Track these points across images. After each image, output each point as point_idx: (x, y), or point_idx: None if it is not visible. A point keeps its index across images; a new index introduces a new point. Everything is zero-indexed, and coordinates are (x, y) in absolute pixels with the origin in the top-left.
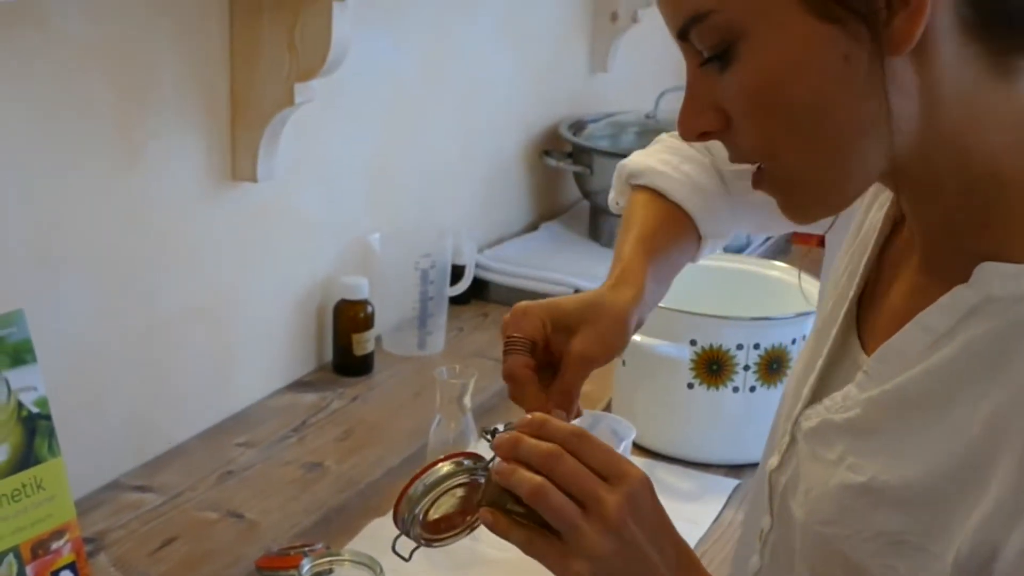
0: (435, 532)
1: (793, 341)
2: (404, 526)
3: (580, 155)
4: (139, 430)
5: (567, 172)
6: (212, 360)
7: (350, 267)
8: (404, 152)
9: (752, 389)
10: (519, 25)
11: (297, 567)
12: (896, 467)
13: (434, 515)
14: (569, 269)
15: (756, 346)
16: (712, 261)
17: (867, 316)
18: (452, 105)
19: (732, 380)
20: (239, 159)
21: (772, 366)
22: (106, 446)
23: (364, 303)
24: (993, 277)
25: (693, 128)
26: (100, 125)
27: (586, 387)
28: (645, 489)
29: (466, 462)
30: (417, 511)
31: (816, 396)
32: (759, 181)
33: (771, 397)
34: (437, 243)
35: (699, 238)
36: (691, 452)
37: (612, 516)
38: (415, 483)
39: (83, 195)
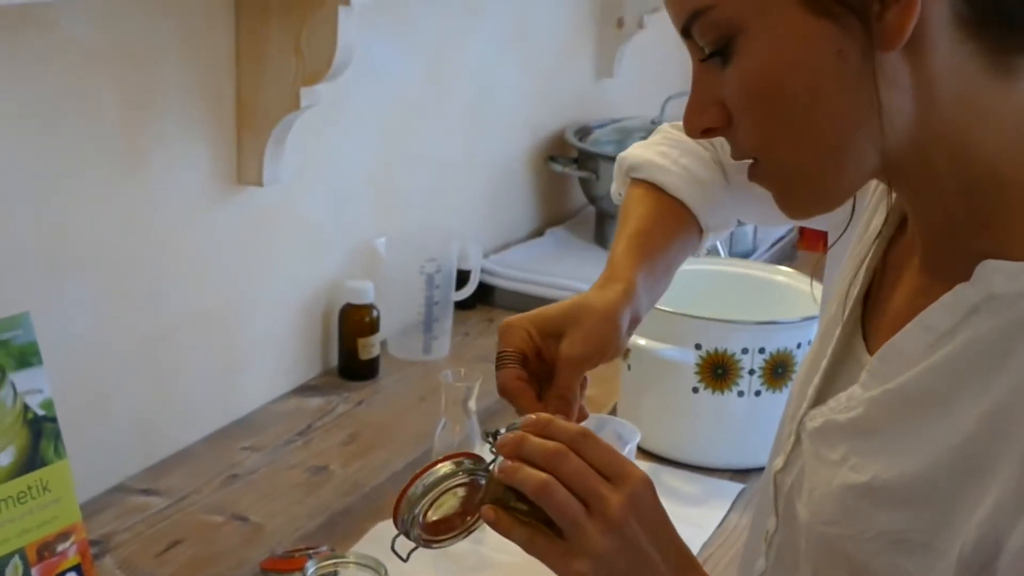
0: (435, 533)
1: (798, 345)
2: (404, 526)
3: (586, 161)
4: (144, 433)
5: (573, 177)
6: (217, 364)
7: (356, 271)
8: (410, 157)
9: (757, 393)
10: (525, 31)
11: (302, 569)
12: (898, 466)
13: (433, 516)
14: (575, 274)
15: (761, 350)
16: (718, 266)
17: (871, 317)
18: (458, 110)
19: (737, 384)
20: (245, 163)
21: (777, 370)
22: (111, 449)
23: (369, 307)
24: (995, 275)
25: (697, 125)
26: (106, 129)
27: (591, 391)
28: (647, 489)
29: (466, 462)
30: (416, 512)
31: (821, 397)
32: (755, 174)
33: (776, 401)
34: (443, 248)
35: (700, 230)
36: (696, 456)
37: (615, 515)
38: (415, 483)
39: (89, 199)
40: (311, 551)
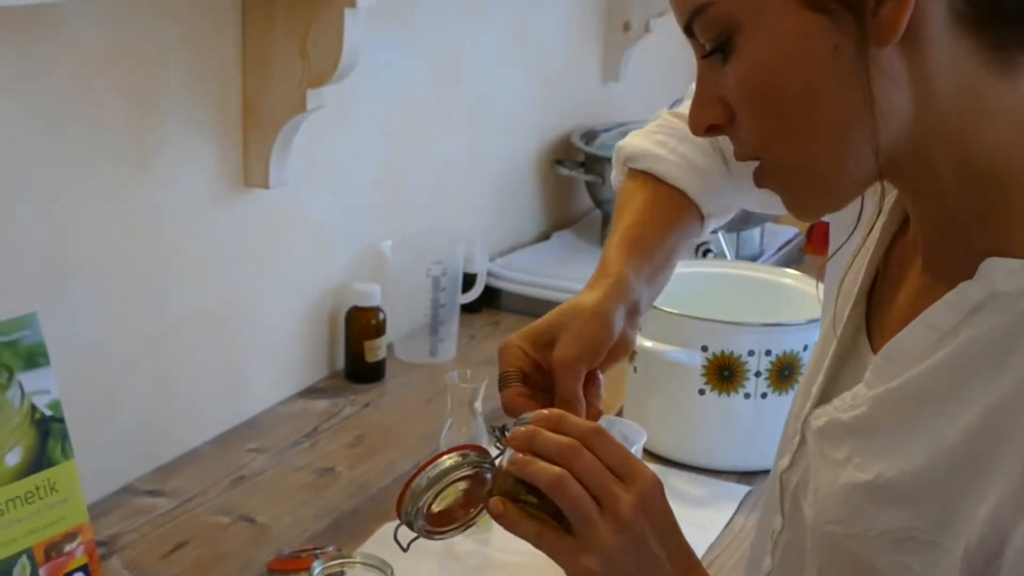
0: (437, 524)
1: (805, 347)
2: (407, 517)
3: (592, 164)
4: (151, 435)
5: (579, 181)
6: (224, 366)
7: (362, 274)
8: (416, 159)
9: (763, 395)
10: (531, 34)
11: (308, 569)
12: (901, 464)
13: (437, 508)
14: (581, 278)
15: (767, 352)
16: (724, 268)
17: (876, 315)
18: (464, 113)
19: (743, 386)
20: (251, 165)
21: (783, 372)
22: (118, 451)
23: (376, 310)
24: (997, 272)
25: (701, 122)
26: (113, 131)
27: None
28: (657, 490)
29: (471, 455)
30: (421, 503)
31: (826, 396)
32: (759, 177)
33: (782, 403)
34: (449, 251)
35: (702, 217)
36: (702, 458)
37: (626, 514)
38: (420, 475)
39: (95, 201)
40: (318, 551)
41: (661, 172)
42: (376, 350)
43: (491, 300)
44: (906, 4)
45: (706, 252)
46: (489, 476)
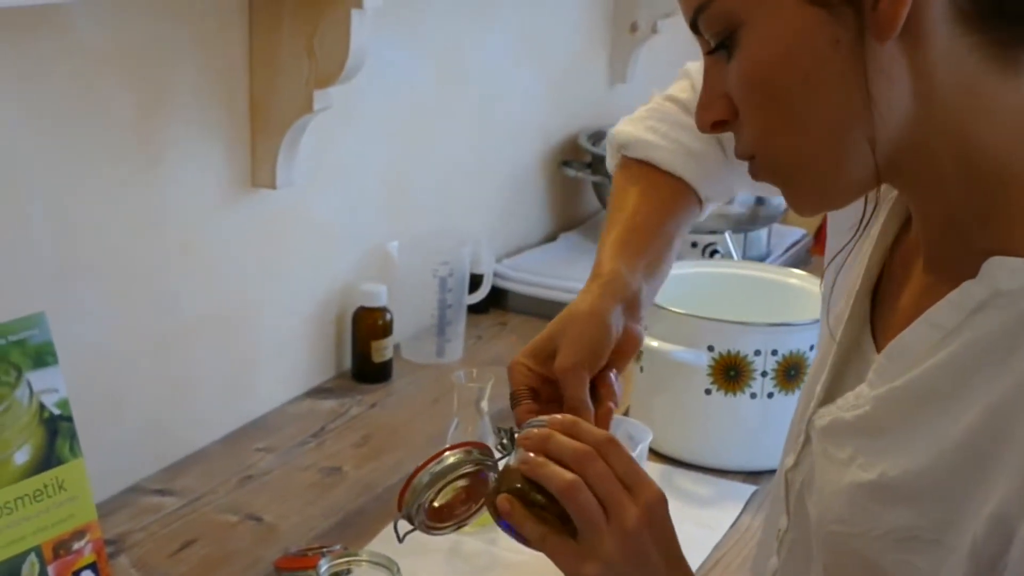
0: (436, 520)
1: (811, 347)
2: (408, 511)
3: (599, 165)
4: (159, 435)
5: (586, 182)
6: (231, 367)
7: (369, 274)
8: (423, 160)
9: (770, 395)
10: (538, 35)
11: (315, 567)
12: (905, 463)
13: (437, 503)
14: (587, 279)
15: (774, 352)
16: (731, 268)
17: (880, 315)
18: (471, 114)
19: (750, 386)
20: (258, 166)
21: (790, 372)
22: (126, 450)
23: (383, 310)
24: (1001, 271)
25: (706, 119)
26: (120, 132)
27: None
28: (662, 503)
29: (475, 453)
30: (422, 498)
31: (830, 395)
32: (754, 170)
33: (789, 403)
34: (455, 251)
35: (700, 201)
36: (708, 458)
37: (631, 524)
38: (422, 471)
39: (102, 201)
40: (324, 550)
41: (656, 160)
42: (383, 350)
43: (498, 301)
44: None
45: (713, 253)
46: (492, 475)
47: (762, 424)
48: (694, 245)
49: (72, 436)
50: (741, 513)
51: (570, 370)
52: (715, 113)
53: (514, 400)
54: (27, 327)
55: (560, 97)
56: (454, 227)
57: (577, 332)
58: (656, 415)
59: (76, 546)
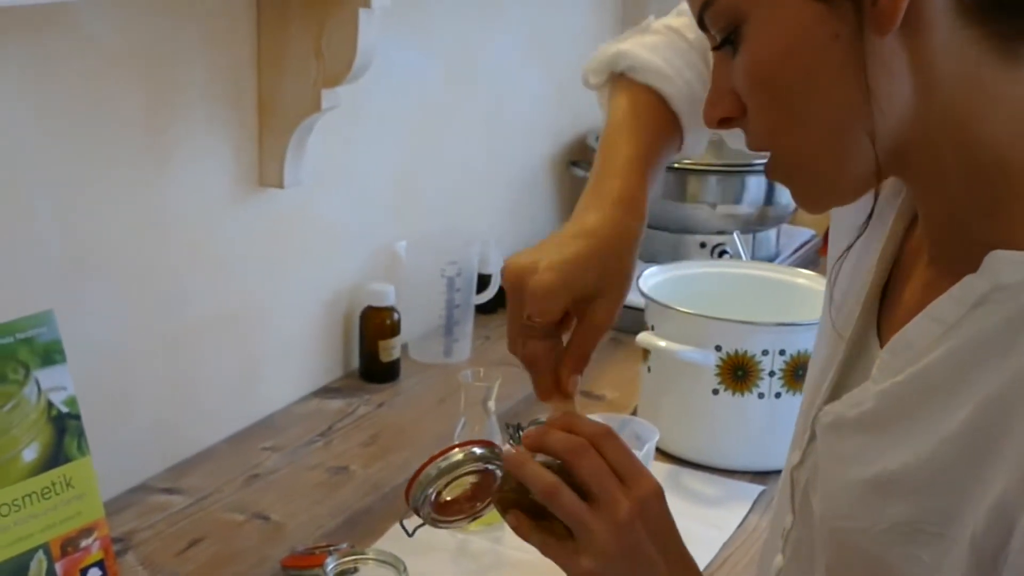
0: (443, 514)
1: None
2: (414, 504)
3: None
4: (166, 434)
5: None
6: (239, 366)
7: (376, 274)
8: (431, 160)
9: (777, 395)
10: (547, 35)
11: (322, 565)
12: (906, 457)
13: (444, 498)
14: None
15: (781, 352)
16: (738, 269)
17: (886, 311)
18: (479, 114)
19: (757, 386)
20: (266, 165)
21: (798, 372)
22: (133, 449)
23: (390, 310)
24: (1002, 265)
25: (714, 115)
26: (128, 131)
27: (612, 394)
28: (657, 497)
29: (482, 451)
30: (429, 492)
31: (836, 392)
32: (769, 169)
33: (796, 403)
34: (463, 251)
35: (680, 146)
36: (716, 458)
37: (622, 517)
38: (430, 465)
39: (111, 200)
40: (331, 548)
41: (668, 94)
42: (390, 350)
43: (506, 301)
44: None
45: (722, 253)
46: (499, 472)
47: (769, 424)
48: (703, 245)
49: (80, 434)
50: (748, 513)
51: (603, 329)
52: (723, 110)
53: (531, 329)
54: (35, 325)
55: (569, 97)
56: (462, 227)
57: (621, 294)
58: (663, 415)
59: (84, 543)
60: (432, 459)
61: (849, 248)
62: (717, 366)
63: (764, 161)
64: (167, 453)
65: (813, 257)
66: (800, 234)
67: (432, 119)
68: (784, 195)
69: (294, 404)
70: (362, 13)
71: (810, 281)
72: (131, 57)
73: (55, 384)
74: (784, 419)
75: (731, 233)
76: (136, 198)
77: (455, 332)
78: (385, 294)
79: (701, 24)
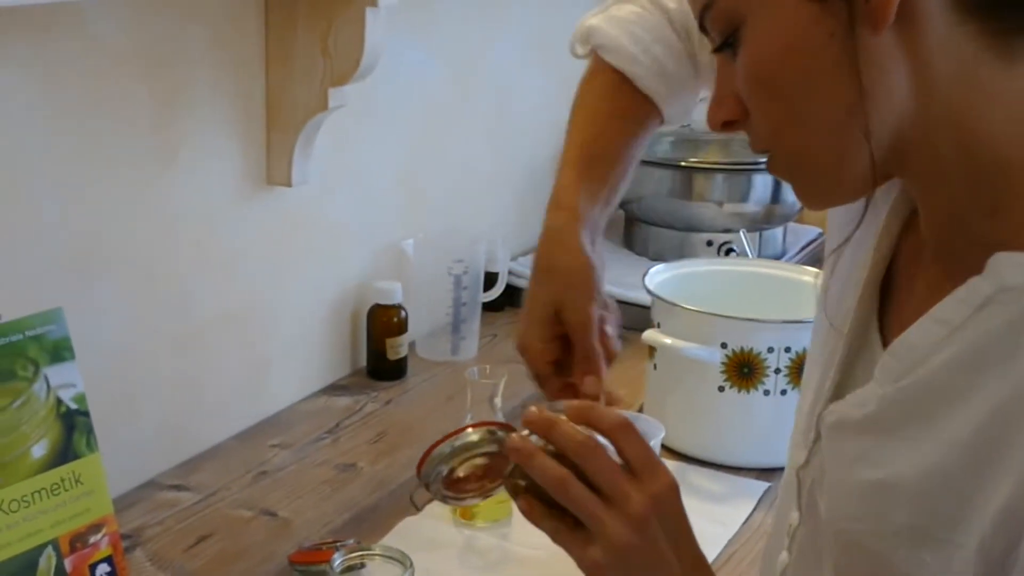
0: (453, 491)
1: None
2: (425, 479)
3: None
4: (174, 431)
5: None
6: (246, 364)
7: (384, 272)
8: (438, 158)
9: (783, 392)
10: (550, 34)
11: (329, 561)
12: (913, 461)
13: (456, 475)
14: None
15: (787, 349)
16: (744, 266)
17: (888, 309)
18: (486, 112)
19: (763, 383)
20: (274, 163)
21: (803, 369)
22: (142, 446)
23: (398, 308)
24: (1007, 267)
25: (717, 118)
26: (135, 130)
27: (618, 391)
28: (672, 492)
29: (498, 432)
30: (440, 469)
31: (840, 391)
32: (770, 166)
33: None
34: (470, 249)
35: (662, 120)
36: (722, 455)
37: (637, 512)
38: (444, 442)
39: (118, 199)
40: (338, 544)
41: (633, 75)
42: (398, 348)
43: (513, 299)
44: None
45: (728, 251)
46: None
47: (775, 421)
48: (709, 243)
49: (89, 431)
50: (754, 510)
51: (587, 322)
52: (725, 113)
53: (540, 381)
54: (44, 323)
55: (573, 95)
56: (469, 225)
57: (575, 284)
58: (669, 412)
59: (92, 539)
60: (446, 437)
61: (843, 244)
62: (723, 363)
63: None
64: (175, 450)
65: (820, 255)
66: (807, 232)
67: (438, 117)
68: (791, 193)
69: (302, 401)
70: (369, 12)
71: (816, 279)
72: (137, 56)
73: (64, 381)
74: (790, 416)
75: (738, 231)
76: (144, 197)
77: (462, 330)
78: (392, 292)
79: (702, 27)
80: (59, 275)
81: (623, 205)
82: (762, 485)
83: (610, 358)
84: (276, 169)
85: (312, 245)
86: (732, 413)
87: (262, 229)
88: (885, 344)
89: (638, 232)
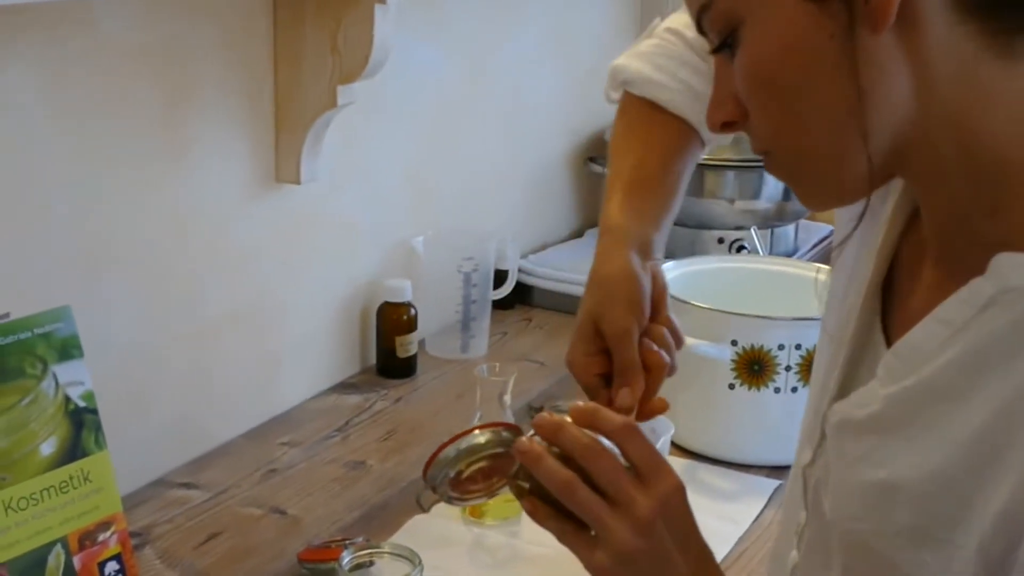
0: (460, 492)
1: None
2: (431, 482)
3: None
4: (184, 429)
5: None
6: (256, 361)
7: (393, 270)
8: (447, 156)
9: (794, 390)
10: (564, 31)
11: (338, 559)
12: (916, 461)
13: (465, 475)
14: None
15: (798, 346)
16: (756, 264)
17: (891, 309)
18: (496, 110)
19: (773, 381)
20: (283, 161)
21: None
22: (151, 444)
23: (407, 306)
24: (1009, 267)
25: (716, 119)
26: (145, 128)
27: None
28: (678, 494)
29: (505, 434)
30: (448, 471)
31: (844, 390)
32: (769, 167)
33: None
34: (480, 247)
35: (703, 142)
36: (732, 453)
37: (642, 516)
38: (451, 445)
39: (127, 197)
40: (347, 542)
41: (663, 101)
42: (407, 346)
43: (523, 297)
44: None
45: (740, 249)
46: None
47: (786, 419)
48: (721, 241)
49: (97, 428)
50: (764, 508)
51: (621, 333)
52: (724, 114)
53: (589, 393)
54: (53, 320)
55: (586, 93)
56: (479, 223)
57: (614, 295)
58: (680, 409)
59: (101, 537)
60: (453, 439)
61: (844, 242)
62: (733, 361)
63: None
64: (185, 448)
65: (831, 253)
66: (819, 229)
67: (449, 115)
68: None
69: (311, 399)
70: (378, 9)
71: (818, 274)
72: (147, 54)
73: (72, 379)
74: (800, 414)
75: (749, 229)
76: (153, 195)
77: (472, 328)
78: (402, 290)
79: (699, 28)
80: (67, 273)
81: None
82: (773, 483)
83: (655, 371)
84: (285, 167)
85: (321, 243)
86: (742, 410)
87: (271, 227)
88: (889, 343)
89: None
